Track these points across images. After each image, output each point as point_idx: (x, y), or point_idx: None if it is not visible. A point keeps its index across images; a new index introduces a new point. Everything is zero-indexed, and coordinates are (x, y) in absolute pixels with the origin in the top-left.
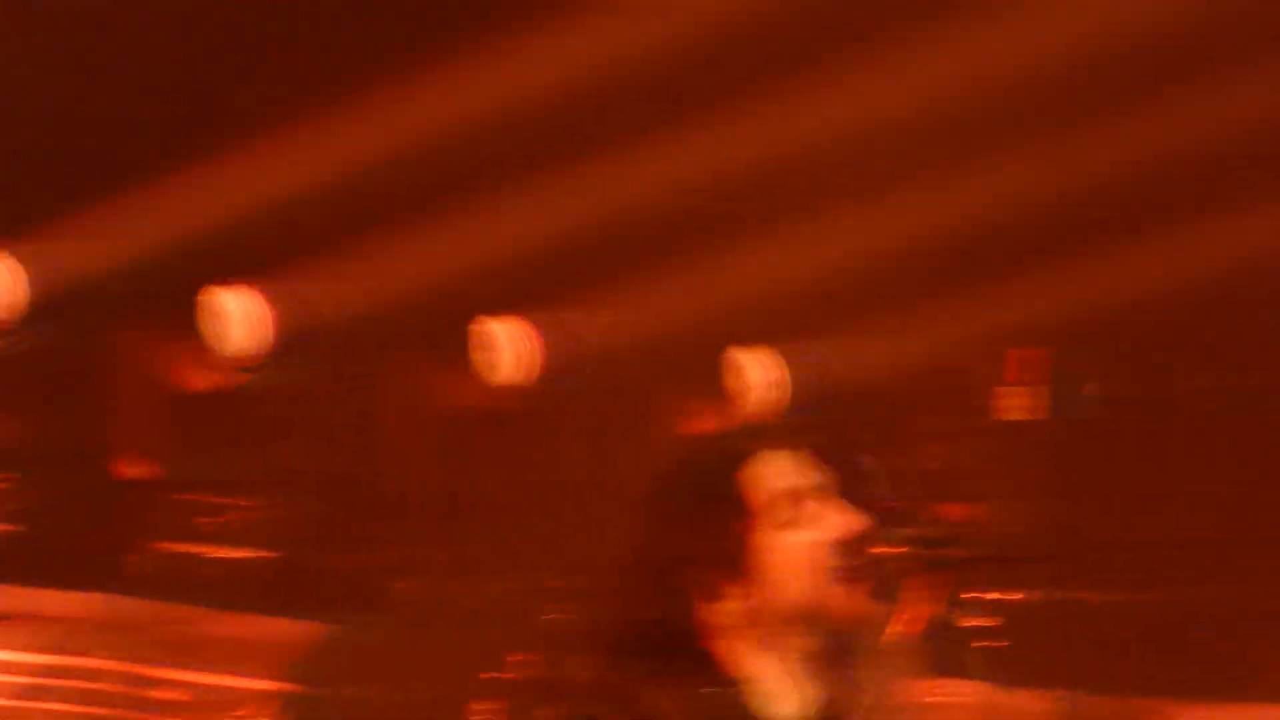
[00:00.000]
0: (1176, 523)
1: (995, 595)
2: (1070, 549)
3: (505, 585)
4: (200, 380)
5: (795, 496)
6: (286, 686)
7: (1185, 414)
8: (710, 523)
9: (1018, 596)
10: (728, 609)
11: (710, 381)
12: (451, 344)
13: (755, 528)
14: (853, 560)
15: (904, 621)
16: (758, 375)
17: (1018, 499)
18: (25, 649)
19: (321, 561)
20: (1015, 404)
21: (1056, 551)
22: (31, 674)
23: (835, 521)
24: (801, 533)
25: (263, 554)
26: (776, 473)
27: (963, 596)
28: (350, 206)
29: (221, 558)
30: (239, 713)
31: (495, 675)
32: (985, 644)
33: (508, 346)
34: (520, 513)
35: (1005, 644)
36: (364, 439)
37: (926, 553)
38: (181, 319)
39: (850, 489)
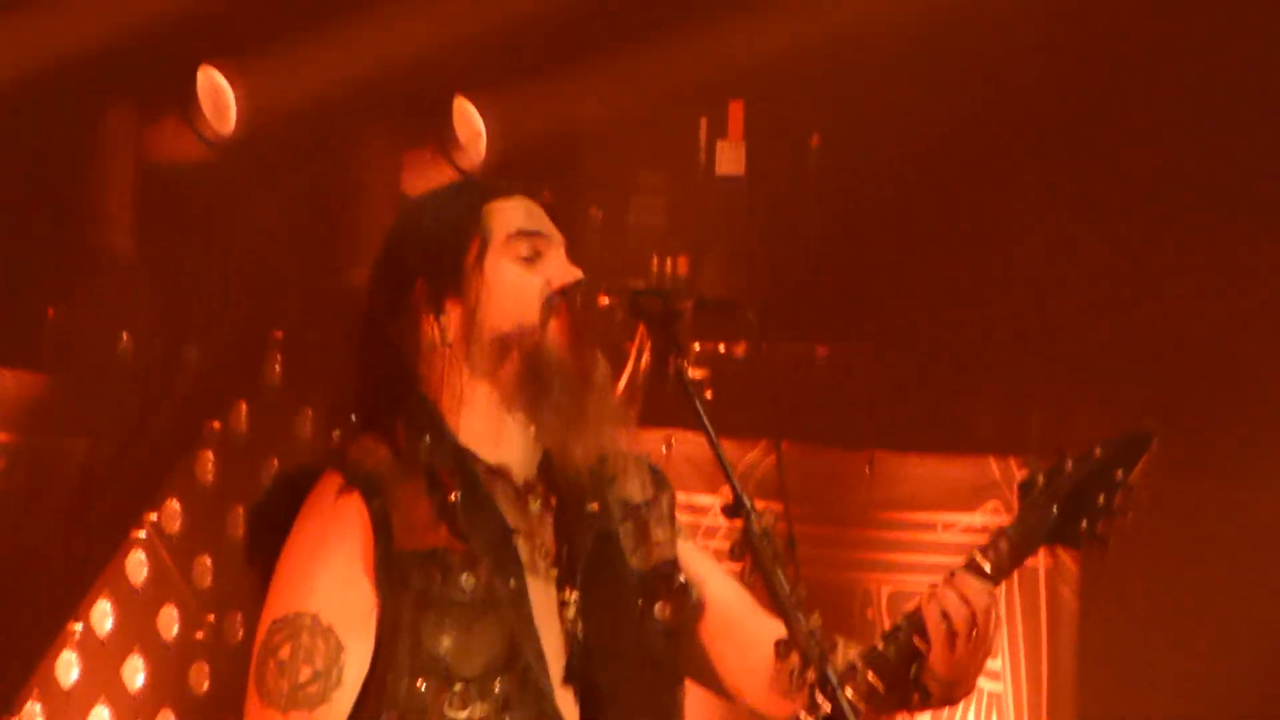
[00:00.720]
0: (884, 274)
1: (706, 347)
2: (779, 302)
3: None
4: None
5: (529, 239)
6: (15, 437)
7: (897, 164)
8: (447, 242)
9: (728, 348)
10: (449, 323)
11: (433, 129)
12: (166, 95)
13: (489, 254)
14: (570, 306)
15: (622, 371)
16: (482, 124)
17: (731, 252)
18: None
19: (39, 313)
20: (730, 157)
21: (765, 304)
22: None
23: (559, 267)
24: (529, 270)
25: None
26: (514, 212)
27: (678, 347)
28: None
29: None
30: None
31: (221, 426)
32: (698, 394)
33: (217, 94)
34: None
35: (713, 394)
36: (76, 194)
37: (643, 304)
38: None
39: (574, 242)
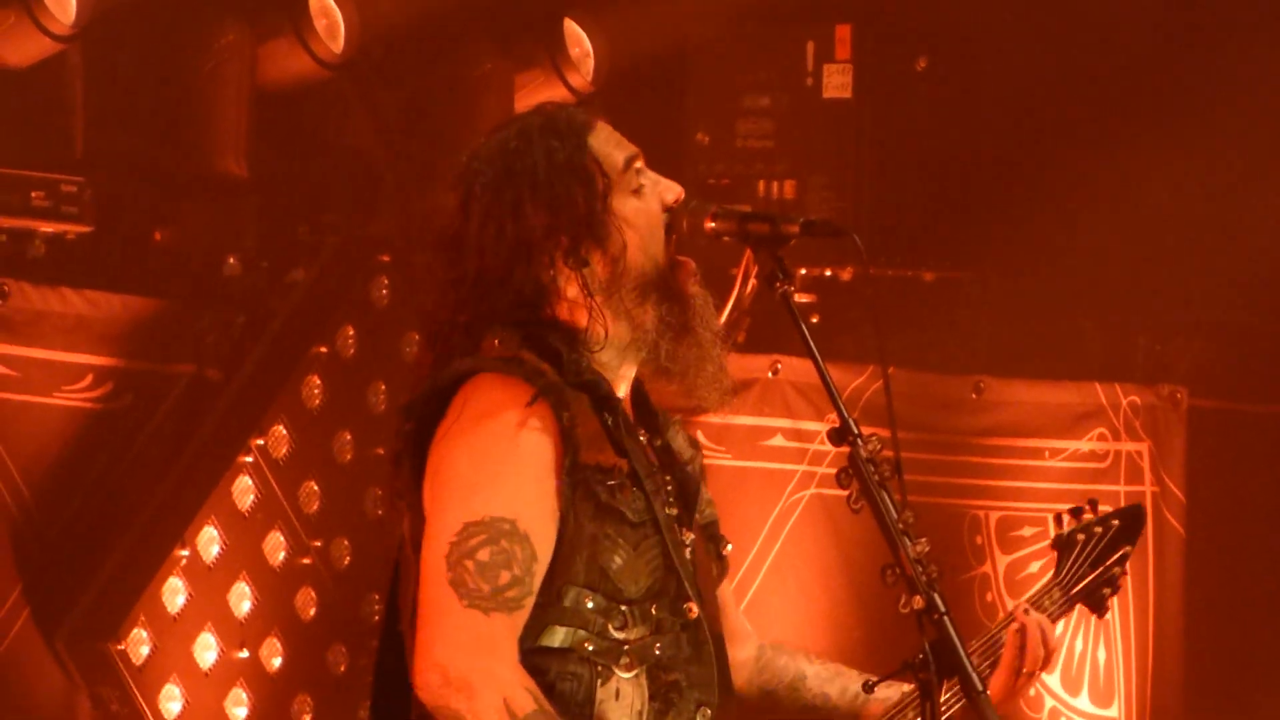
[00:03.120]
0: (991, 199)
1: (813, 271)
2: (886, 226)
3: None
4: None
5: (635, 170)
6: (122, 362)
7: (1001, 89)
8: (577, 192)
9: (835, 273)
10: (593, 275)
11: (544, 50)
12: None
13: (615, 195)
14: (681, 226)
15: (728, 296)
16: (590, 45)
17: (838, 177)
18: None
19: (145, 237)
20: (837, 81)
21: (872, 229)
22: None
23: (663, 186)
24: (648, 198)
25: (84, 228)
26: (609, 143)
27: (784, 272)
28: None
29: (48, 232)
30: (74, 386)
31: (328, 350)
32: (805, 319)
33: (329, 14)
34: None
35: (819, 319)
36: (185, 116)
37: (751, 228)
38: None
39: (681, 166)
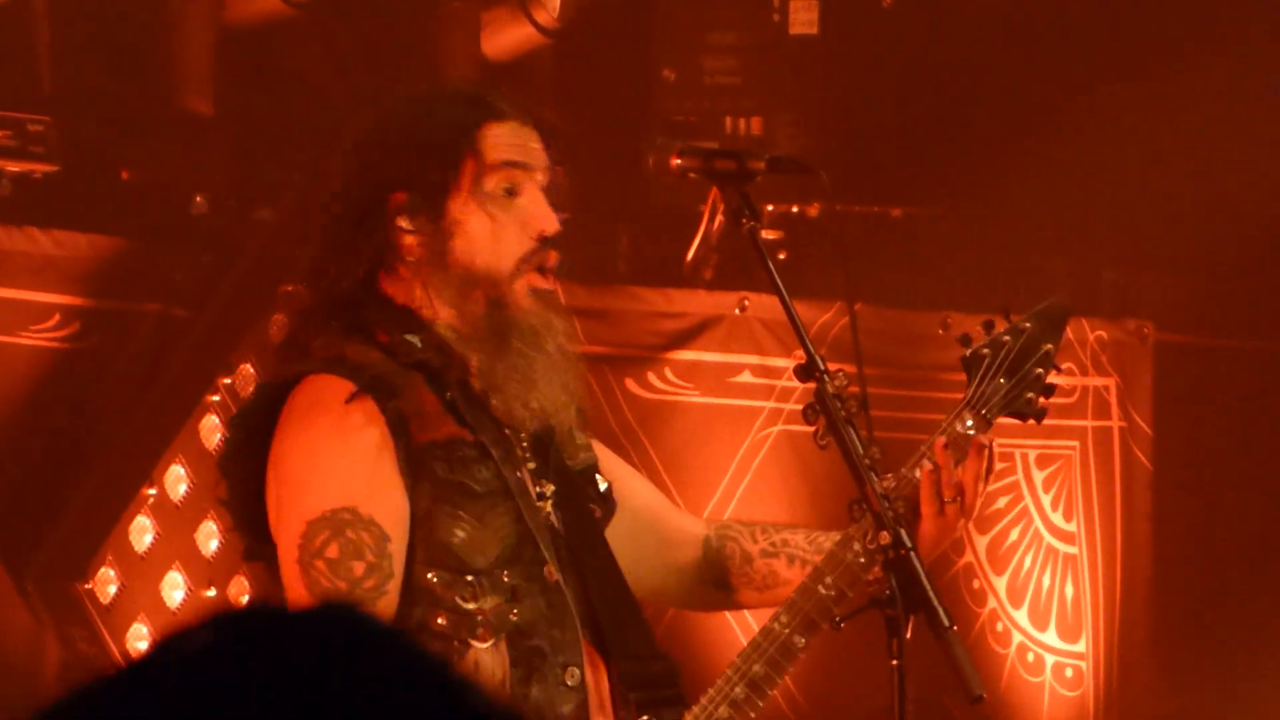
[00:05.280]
0: (958, 135)
1: (780, 208)
2: (853, 163)
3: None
4: None
5: (509, 170)
6: (88, 301)
7: (969, 25)
8: (435, 157)
9: (801, 209)
10: (418, 244)
11: None
12: None
13: (469, 183)
14: (541, 259)
15: (697, 234)
16: None
17: (805, 113)
18: None
19: (112, 175)
20: (804, 18)
21: (839, 165)
22: None
23: (539, 210)
24: (511, 210)
25: (50, 167)
26: (503, 138)
27: (751, 209)
28: None
29: (14, 171)
30: (41, 326)
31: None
32: (771, 256)
33: None
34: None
35: (786, 256)
36: (152, 55)
37: (717, 165)
38: None
39: (647, 104)
